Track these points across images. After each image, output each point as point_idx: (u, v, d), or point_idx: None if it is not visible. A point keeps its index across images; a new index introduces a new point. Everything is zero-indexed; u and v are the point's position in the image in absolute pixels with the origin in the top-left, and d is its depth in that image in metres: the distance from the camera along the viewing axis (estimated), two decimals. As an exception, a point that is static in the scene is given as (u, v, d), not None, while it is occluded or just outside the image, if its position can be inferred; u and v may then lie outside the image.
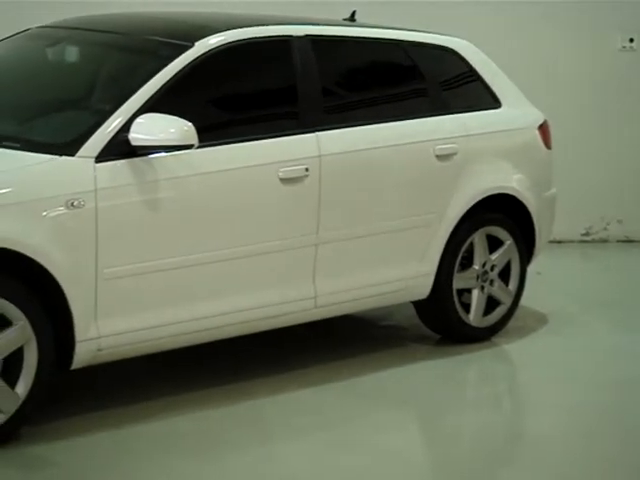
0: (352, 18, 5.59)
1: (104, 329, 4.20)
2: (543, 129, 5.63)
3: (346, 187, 4.83)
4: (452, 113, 5.27)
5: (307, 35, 4.90)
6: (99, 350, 4.21)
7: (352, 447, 4.26)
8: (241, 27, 4.74)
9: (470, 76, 5.45)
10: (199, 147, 4.29)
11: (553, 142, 5.71)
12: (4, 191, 3.97)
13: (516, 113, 5.55)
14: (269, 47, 4.83)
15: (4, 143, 4.21)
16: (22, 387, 4.04)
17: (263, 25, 4.85)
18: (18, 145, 4.20)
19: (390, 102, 5.15)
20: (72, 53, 4.98)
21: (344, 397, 4.73)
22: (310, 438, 4.35)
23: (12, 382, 4.02)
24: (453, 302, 5.27)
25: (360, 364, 5.08)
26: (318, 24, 5.11)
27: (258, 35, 4.78)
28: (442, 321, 5.36)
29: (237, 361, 5.03)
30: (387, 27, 5.37)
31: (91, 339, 4.17)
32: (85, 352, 4.17)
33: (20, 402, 4.03)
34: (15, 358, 4.02)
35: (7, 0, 6.84)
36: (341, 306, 4.95)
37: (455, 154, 5.19)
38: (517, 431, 4.66)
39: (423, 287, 5.17)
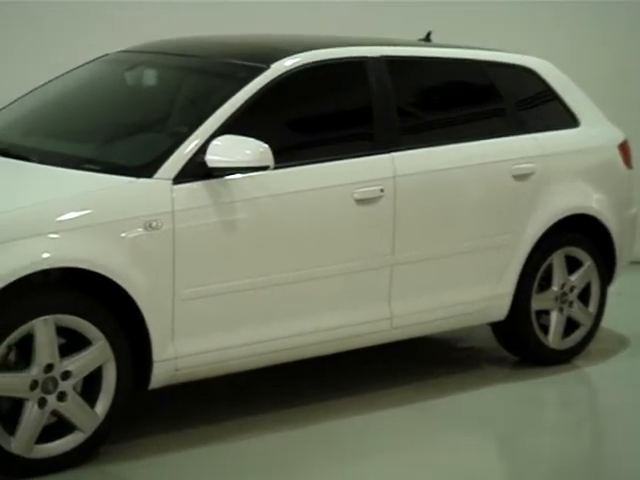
0: (427, 38, 5.64)
1: (181, 349, 4.28)
2: (623, 148, 5.61)
3: (422, 208, 4.87)
4: (529, 132, 5.29)
5: (382, 56, 4.96)
6: (176, 370, 4.29)
7: (428, 469, 4.28)
8: (316, 49, 4.82)
9: (548, 95, 5.46)
10: (275, 168, 4.36)
11: (636, 161, 5.69)
12: (84, 213, 4.08)
13: (595, 132, 5.54)
14: (344, 68, 4.89)
15: (84, 165, 4.33)
16: (101, 406, 4.14)
17: (338, 47, 4.92)
18: (97, 167, 4.31)
19: (466, 122, 5.19)
20: (150, 77, 5.11)
21: (420, 418, 4.76)
22: (385, 459, 4.38)
23: (92, 401, 4.12)
24: (531, 324, 5.27)
25: (437, 386, 5.10)
26: (394, 45, 5.17)
27: (333, 57, 4.85)
28: (520, 343, 5.35)
29: (313, 382, 5.08)
30: (463, 47, 5.40)
31: (168, 359, 4.26)
32: (162, 372, 4.26)
33: (99, 421, 4.13)
34: (94, 378, 4.13)
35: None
36: (417, 327, 4.98)
37: (532, 174, 5.20)
38: (597, 456, 4.63)
39: (500, 308, 5.18)
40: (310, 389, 4.99)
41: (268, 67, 4.63)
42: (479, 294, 5.07)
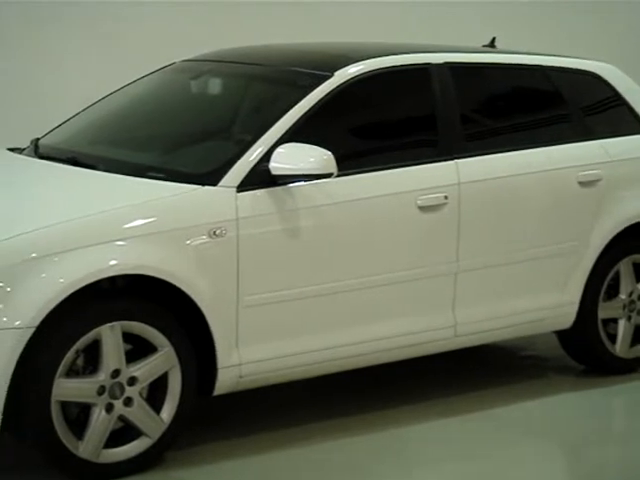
0: (492, 44, 5.66)
1: (245, 356, 4.35)
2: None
3: (486, 215, 4.88)
4: (595, 139, 5.28)
5: (446, 62, 4.99)
6: (240, 377, 4.36)
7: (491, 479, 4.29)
8: (380, 56, 4.86)
9: (614, 101, 5.45)
10: (338, 176, 4.41)
11: None
12: (149, 220, 4.16)
13: (663, 137, 5.51)
14: (408, 75, 4.93)
15: (150, 173, 4.42)
16: (166, 412, 4.21)
17: (401, 54, 4.96)
18: (162, 175, 4.39)
19: (531, 128, 5.19)
20: (215, 85, 5.20)
21: (485, 428, 4.77)
22: (450, 469, 4.40)
23: (157, 407, 4.20)
24: (598, 332, 5.26)
25: (501, 395, 5.11)
26: (457, 51, 5.21)
27: (397, 64, 4.89)
28: (586, 351, 5.34)
29: (379, 389, 5.12)
30: (528, 53, 5.42)
31: (232, 366, 4.32)
32: (227, 379, 4.33)
33: (165, 427, 4.20)
34: (160, 384, 4.21)
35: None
36: (481, 335, 5.00)
37: (599, 180, 5.19)
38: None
39: (566, 316, 5.17)
40: (375, 396, 5.02)
41: (332, 75, 4.68)
42: (544, 302, 5.08)
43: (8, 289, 3.86)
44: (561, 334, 5.31)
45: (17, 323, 3.85)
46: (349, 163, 4.55)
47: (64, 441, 4.01)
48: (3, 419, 3.90)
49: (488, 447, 4.59)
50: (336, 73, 4.69)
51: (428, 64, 4.95)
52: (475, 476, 4.32)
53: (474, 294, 4.89)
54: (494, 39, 5.67)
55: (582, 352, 5.36)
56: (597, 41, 7.03)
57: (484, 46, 5.63)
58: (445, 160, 4.83)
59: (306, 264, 4.45)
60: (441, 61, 4.98)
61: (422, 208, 4.71)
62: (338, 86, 4.66)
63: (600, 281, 5.23)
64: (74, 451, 4.03)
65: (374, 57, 4.84)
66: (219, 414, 4.77)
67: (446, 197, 4.77)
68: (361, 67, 4.76)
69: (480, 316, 4.92)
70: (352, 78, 4.71)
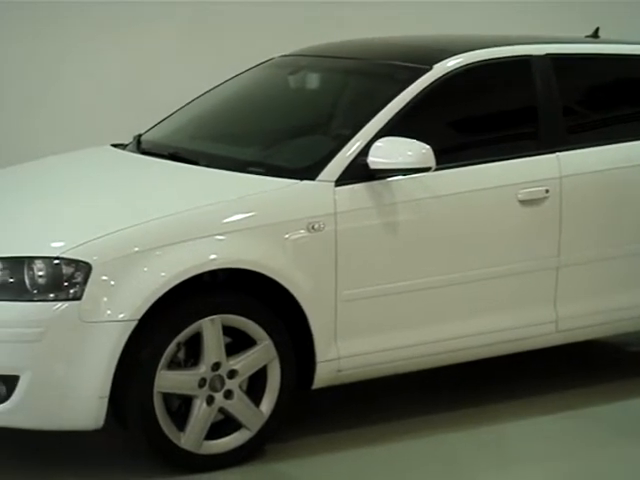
0: (595, 35, 5.67)
1: (344, 350, 4.44)
2: None
3: (588, 208, 4.90)
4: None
5: (548, 54, 5.01)
6: (339, 371, 4.45)
7: (588, 478, 4.32)
8: (479, 48, 4.91)
9: None
10: (437, 170, 4.47)
11: None
12: (249, 215, 4.29)
13: None
14: (508, 67, 4.96)
15: (249, 168, 4.54)
16: (266, 405, 4.34)
17: (501, 45, 5.00)
18: (262, 170, 4.51)
19: (634, 120, 5.18)
20: (313, 80, 5.31)
21: (586, 426, 4.78)
22: (550, 466, 4.43)
23: (257, 400, 4.33)
24: None
25: (605, 392, 5.11)
26: (559, 42, 5.22)
27: (497, 56, 4.93)
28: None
29: (478, 385, 5.18)
30: (632, 42, 5.41)
31: (331, 360, 4.42)
32: (325, 373, 4.43)
33: (264, 420, 4.33)
34: (259, 377, 4.34)
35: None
36: (584, 331, 5.01)
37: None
38: None
39: (673, 312, 5.16)
40: (474, 392, 5.08)
41: (431, 68, 4.74)
42: (649, 297, 5.08)
43: (112, 283, 4.03)
44: (667, 330, 5.30)
45: (120, 316, 4.02)
46: (448, 157, 4.61)
47: (166, 432, 4.16)
48: (108, 411, 4.07)
49: (587, 446, 4.60)
50: (435, 66, 4.75)
51: (529, 56, 4.98)
52: (574, 475, 4.35)
53: (576, 289, 4.91)
54: (597, 29, 5.68)
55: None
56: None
57: (587, 36, 5.64)
58: (546, 153, 4.86)
59: (404, 258, 4.53)
60: (542, 52, 5.01)
61: (523, 202, 4.75)
62: (437, 79, 4.71)
63: None
64: (176, 442, 4.18)
65: (473, 49, 4.89)
66: (319, 408, 4.88)
67: (547, 191, 4.80)
68: (460, 60, 4.82)
69: (582, 311, 4.93)
70: (451, 71, 4.76)
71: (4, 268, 4.05)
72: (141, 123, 5.44)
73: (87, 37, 7.52)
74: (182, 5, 7.59)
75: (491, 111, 4.98)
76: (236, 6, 7.63)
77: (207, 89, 5.45)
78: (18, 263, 4.04)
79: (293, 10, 7.69)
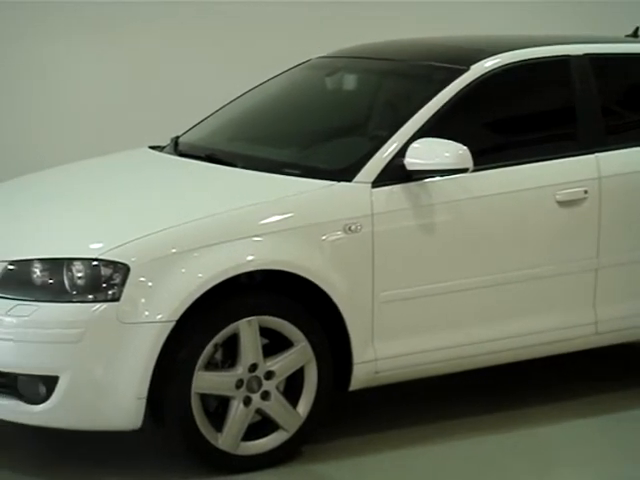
0: (635, 34, 5.67)
1: (381, 352, 4.48)
2: None
3: (627, 209, 4.90)
4: None
5: (586, 54, 5.01)
6: (376, 372, 4.49)
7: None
8: (517, 49, 4.92)
9: None
10: (474, 171, 4.49)
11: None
12: (286, 216, 4.33)
13: None
14: (546, 68, 4.98)
15: (286, 170, 4.59)
16: (303, 406, 4.37)
17: (539, 46, 5.01)
18: (299, 171, 4.56)
19: (675, 120, 5.20)
20: (349, 81, 5.36)
21: (625, 429, 4.78)
22: (588, 470, 4.43)
23: (294, 401, 4.37)
24: None
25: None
26: (598, 42, 5.23)
27: (535, 56, 4.95)
28: None
29: (516, 388, 5.19)
30: (673, 42, 5.42)
31: (368, 361, 4.45)
32: (362, 374, 4.46)
33: (301, 421, 4.37)
34: (296, 378, 4.38)
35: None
36: (624, 333, 5.01)
37: None
38: None
39: None
40: (512, 394, 5.09)
41: (468, 68, 4.76)
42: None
43: (150, 284, 4.09)
44: None
45: (158, 317, 4.07)
46: (485, 158, 4.63)
47: (204, 433, 4.21)
48: (146, 411, 4.13)
49: (627, 450, 4.60)
50: (472, 67, 4.77)
51: (568, 56, 4.98)
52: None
53: (615, 291, 4.91)
54: (637, 29, 5.68)
55: None
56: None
57: (626, 36, 5.65)
58: (585, 154, 4.87)
59: (442, 260, 4.56)
60: (581, 52, 5.01)
61: (561, 203, 4.76)
62: (474, 80, 4.73)
63: None
64: (213, 442, 4.23)
65: (511, 50, 4.90)
66: (357, 409, 4.91)
67: (586, 192, 4.81)
68: (498, 60, 4.84)
69: (622, 313, 4.93)
70: (489, 72, 4.78)
71: (44, 269, 4.12)
72: (180, 125, 5.52)
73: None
74: (219, 4, 7.67)
75: (529, 111, 4.99)
76: (264, 6, 7.70)
77: (242, 92, 5.52)
78: (57, 264, 4.12)
79: (328, 10, 7.76)
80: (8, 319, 4.09)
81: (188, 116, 5.56)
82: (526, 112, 4.99)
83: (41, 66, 7.53)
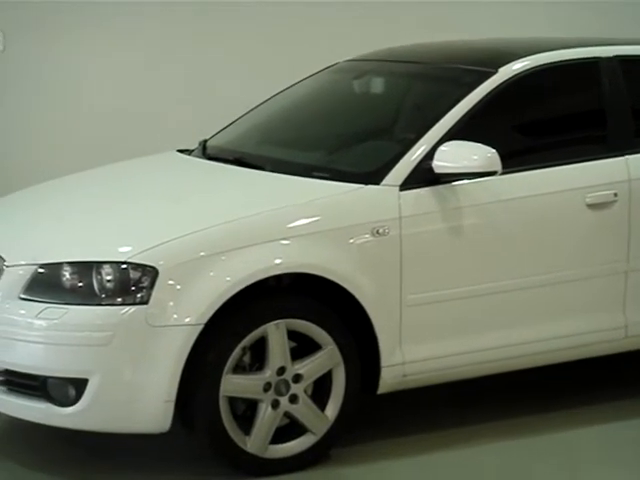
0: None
1: (409, 355, 4.50)
2: None
3: (657, 212, 4.92)
4: None
5: (616, 56, 5.03)
6: (404, 376, 4.51)
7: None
8: (545, 51, 4.94)
9: None
10: (503, 173, 4.51)
11: None
12: (314, 219, 4.36)
13: None
14: (575, 70, 4.99)
15: (314, 173, 4.62)
16: (331, 410, 4.40)
17: (567, 48, 5.03)
18: (326, 175, 4.58)
19: None
20: (377, 84, 5.40)
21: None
22: (623, 473, 4.44)
23: (322, 405, 4.40)
24: None
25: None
26: (628, 44, 5.24)
27: (564, 58, 4.96)
28: None
29: (547, 390, 5.20)
30: None
31: (396, 365, 4.48)
32: (390, 378, 4.49)
33: (330, 424, 4.40)
34: (324, 381, 4.41)
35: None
36: (655, 336, 5.02)
37: None
38: None
39: None
40: (542, 398, 5.11)
41: (496, 71, 4.78)
42: None
43: (178, 287, 4.13)
44: None
45: (187, 320, 4.12)
46: (514, 160, 4.65)
47: (232, 436, 4.25)
48: (174, 415, 4.18)
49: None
50: (500, 69, 4.79)
51: (597, 58, 5.00)
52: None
53: (646, 294, 4.93)
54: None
55: None
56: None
57: (657, 37, 5.66)
58: (615, 156, 4.87)
59: (470, 263, 4.58)
60: (611, 55, 5.02)
61: (591, 206, 4.77)
62: (502, 83, 4.75)
63: None
64: (242, 446, 4.27)
65: (539, 52, 4.92)
66: (385, 413, 4.94)
67: (616, 194, 4.82)
68: (526, 63, 4.85)
69: (653, 316, 4.93)
70: (517, 74, 4.80)
71: (73, 272, 4.18)
72: (208, 128, 5.57)
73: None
74: (247, 5, 7.72)
75: (558, 114, 5.01)
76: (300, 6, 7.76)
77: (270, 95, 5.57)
78: (87, 268, 4.17)
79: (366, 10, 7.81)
80: (38, 322, 4.15)
81: (216, 119, 5.62)
82: (555, 115, 5.01)
83: (75, 70, 7.61)
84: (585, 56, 5.03)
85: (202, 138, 5.43)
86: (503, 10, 8.01)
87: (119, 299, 4.11)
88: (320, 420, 4.40)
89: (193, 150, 5.37)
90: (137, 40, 7.68)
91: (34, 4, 7.40)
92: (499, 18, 7.88)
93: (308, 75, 5.58)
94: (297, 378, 4.35)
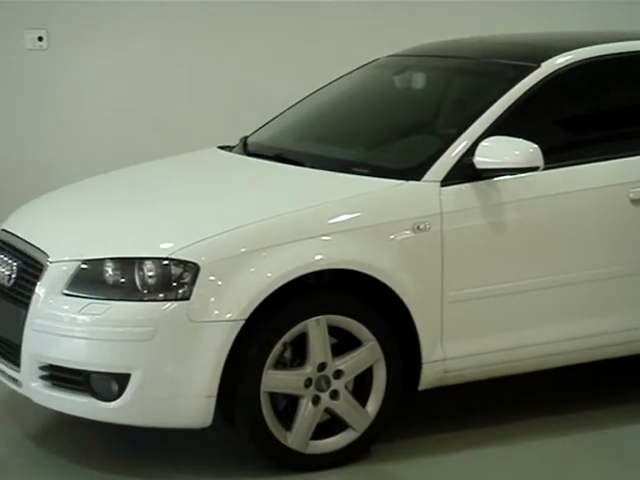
0: None
1: (450, 351, 4.54)
2: None
3: (702, 207, 4.92)
4: None
5: (661, 49, 5.04)
6: (445, 372, 4.55)
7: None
8: (587, 45, 4.96)
9: None
10: (545, 169, 4.53)
11: None
12: (354, 216, 4.41)
13: None
14: (618, 64, 5.01)
15: (354, 169, 4.67)
16: (372, 406, 4.45)
17: (610, 42, 5.04)
18: (367, 171, 4.64)
19: None
20: (418, 80, 5.42)
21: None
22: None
23: (363, 401, 4.46)
24: None
25: None
26: (672, 37, 5.26)
27: (607, 52, 4.98)
28: None
29: (590, 388, 5.23)
30: None
31: (437, 361, 4.52)
32: (431, 374, 4.53)
33: (370, 420, 4.45)
34: (365, 377, 4.46)
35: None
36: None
37: None
38: None
39: None
40: (586, 396, 5.12)
41: (539, 66, 4.80)
42: None
43: (219, 283, 4.20)
44: None
45: (228, 316, 4.18)
46: (556, 156, 4.66)
47: (273, 431, 4.31)
48: (216, 410, 4.25)
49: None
50: (543, 64, 4.81)
51: (641, 52, 5.02)
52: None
53: (690, 291, 4.93)
54: None
55: None
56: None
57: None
58: (659, 151, 4.89)
59: (511, 259, 4.60)
60: (655, 48, 5.05)
61: (635, 201, 4.79)
62: (545, 77, 4.77)
63: None
64: (283, 441, 4.33)
65: (582, 46, 4.94)
66: (427, 409, 4.98)
67: (660, 189, 4.85)
68: (569, 57, 4.87)
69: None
70: (560, 69, 4.82)
71: (116, 268, 4.26)
72: (249, 125, 5.64)
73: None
74: (282, 5, 7.77)
75: (601, 109, 5.02)
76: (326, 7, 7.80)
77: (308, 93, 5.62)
78: (129, 264, 4.25)
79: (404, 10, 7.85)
80: (81, 317, 4.23)
81: (257, 116, 5.69)
82: (598, 109, 5.02)
83: (115, 69, 7.70)
84: (629, 50, 5.04)
85: (243, 135, 5.50)
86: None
87: (161, 295, 4.19)
88: (361, 416, 4.45)
89: (234, 147, 5.44)
90: (182, 41, 7.74)
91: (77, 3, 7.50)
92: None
93: (349, 71, 5.62)
94: (338, 374, 4.40)
